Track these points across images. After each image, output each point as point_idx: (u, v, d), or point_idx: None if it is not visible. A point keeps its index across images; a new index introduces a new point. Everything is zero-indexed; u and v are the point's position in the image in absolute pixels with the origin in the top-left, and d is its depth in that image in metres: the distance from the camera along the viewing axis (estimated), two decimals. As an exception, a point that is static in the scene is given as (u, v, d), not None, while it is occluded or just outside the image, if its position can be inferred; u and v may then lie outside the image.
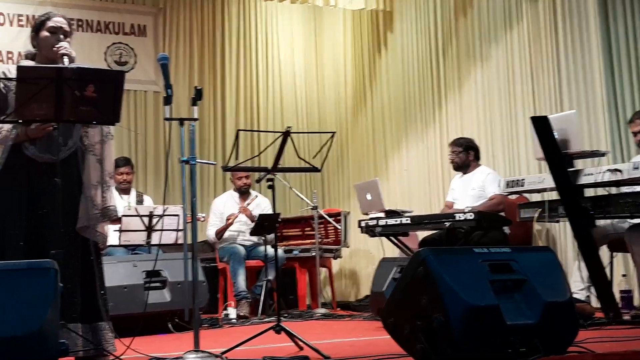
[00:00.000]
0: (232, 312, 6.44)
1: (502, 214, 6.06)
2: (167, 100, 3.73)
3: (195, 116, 3.82)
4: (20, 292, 2.51)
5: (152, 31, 8.46)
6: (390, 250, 6.97)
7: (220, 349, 3.75)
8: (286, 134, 4.28)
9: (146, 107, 8.41)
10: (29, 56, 3.99)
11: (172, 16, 8.56)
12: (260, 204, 7.32)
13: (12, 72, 3.73)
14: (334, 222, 7.62)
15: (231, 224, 7.12)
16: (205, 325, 5.74)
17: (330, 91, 9.42)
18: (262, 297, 6.66)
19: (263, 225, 6.24)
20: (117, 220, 5.77)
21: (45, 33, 3.85)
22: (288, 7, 8.97)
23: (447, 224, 5.68)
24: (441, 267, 2.96)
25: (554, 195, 4.93)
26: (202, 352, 3.53)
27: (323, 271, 8.07)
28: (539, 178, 5.01)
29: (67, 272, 3.42)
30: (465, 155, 6.44)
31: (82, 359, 3.61)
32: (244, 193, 7.38)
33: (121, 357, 3.55)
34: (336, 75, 9.44)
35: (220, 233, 7.18)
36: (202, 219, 6.91)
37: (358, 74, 9.28)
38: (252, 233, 6.72)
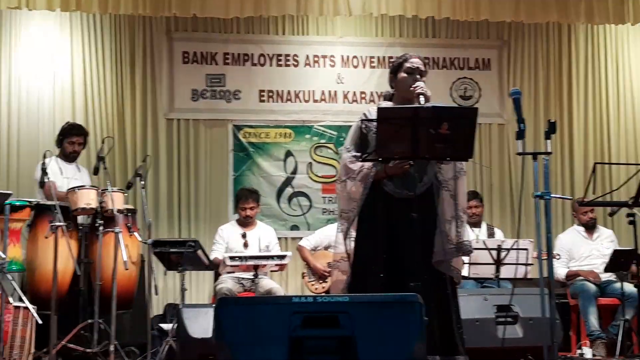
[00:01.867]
0: (587, 352, 6.16)
1: None
2: (520, 135, 3.71)
3: (549, 150, 3.74)
4: (389, 325, 2.63)
5: (496, 64, 8.48)
6: None
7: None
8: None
9: (490, 140, 8.41)
10: (387, 97, 4.20)
11: (517, 48, 8.50)
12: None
13: (372, 113, 3.96)
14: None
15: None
16: (558, 365, 5.54)
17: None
18: (619, 338, 6.26)
19: (618, 261, 5.90)
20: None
21: (402, 74, 4.04)
22: (641, 29, 8.45)
23: None
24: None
25: None
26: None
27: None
28: None
29: (425, 305, 3.52)
30: None
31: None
32: (590, 228, 7.04)
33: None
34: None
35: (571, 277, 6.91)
36: (558, 257, 6.70)
37: None
38: (607, 269, 6.38)
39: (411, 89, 3.92)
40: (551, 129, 3.73)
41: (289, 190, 8.08)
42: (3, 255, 4.87)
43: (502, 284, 6.26)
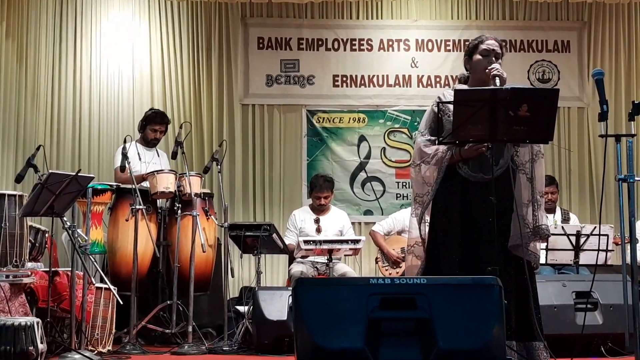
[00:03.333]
0: (668, 341, 5.98)
1: None
2: (603, 117, 3.61)
3: (633, 132, 3.64)
4: (466, 307, 2.61)
5: (575, 46, 8.28)
6: None
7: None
8: None
9: (569, 124, 8.24)
10: (462, 80, 4.15)
11: (597, 29, 8.28)
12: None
13: (447, 96, 3.92)
14: None
15: None
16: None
17: None
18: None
19: None
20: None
21: (478, 56, 3.97)
22: None
23: None
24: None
25: None
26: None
27: None
28: None
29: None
30: None
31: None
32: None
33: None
34: None
35: None
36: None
37: None
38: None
39: (486, 71, 3.86)
40: (635, 110, 3.61)
41: (362, 175, 8.07)
42: (85, 237, 5.01)
43: (580, 271, 6.13)
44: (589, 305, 5.15)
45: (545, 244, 6.02)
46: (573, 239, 6.06)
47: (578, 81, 8.21)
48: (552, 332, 4.59)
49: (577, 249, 6.07)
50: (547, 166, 7.88)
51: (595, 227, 6.03)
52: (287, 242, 6.57)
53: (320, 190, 6.77)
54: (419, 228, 3.96)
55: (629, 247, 4.24)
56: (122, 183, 5.92)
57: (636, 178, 3.61)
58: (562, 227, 6.17)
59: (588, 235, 6.03)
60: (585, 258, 6.07)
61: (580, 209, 7.97)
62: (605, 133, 3.59)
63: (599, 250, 5.85)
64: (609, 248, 6.03)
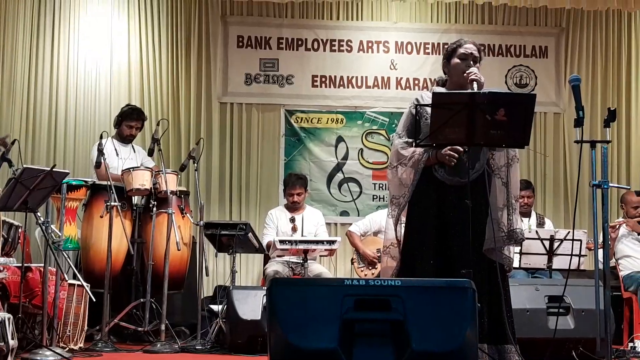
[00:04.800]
0: (639, 345, 6.04)
1: None
2: (579, 123, 3.64)
3: (608, 138, 3.67)
4: (440, 310, 2.63)
5: (553, 52, 8.34)
6: None
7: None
8: None
9: (545, 129, 8.30)
10: (439, 82, 4.16)
11: (575, 36, 8.34)
12: None
13: (425, 99, 3.93)
14: None
15: None
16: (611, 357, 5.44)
17: None
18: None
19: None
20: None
21: (456, 60, 3.98)
22: None
23: None
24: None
25: None
26: (614, 386, 3.35)
27: None
28: None
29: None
30: None
31: (487, 379, 3.65)
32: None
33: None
34: None
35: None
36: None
37: None
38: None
39: (464, 75, 3.87)
40: (611, 117, 3.65)
41: (339, 176, 8.08)
42: (59, 233, 4.97)
43: (553, 275, 6.18)
44: (561, 310, 5.19)
45: (519, 247, 6.07)
46: (547, 243, 6.11)
47: (555, 87, 8.27)
48: (524, 336, 4.61)
49: (551, 253, 6.12)
50: (522, 171, 7.94)
51: (568, 232, 6.09)
52: (266, 240, 6.56)
53: (292, 187, 6.78)
54: (395, 229, 3.97)
55: (601, 252, 4.28)
56: (104, 180, 5.85)
57: (610, 184, 3.64)
58: (536, 232, 6.22)
59: (561, 240, 6.08)
60: (559, 262, 6.12)
61: (554, 213, 8.03)
62: (580, 139, 3.62)
63: (572, 255, 5.90)
64: (582, 253, 6.09)
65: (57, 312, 4.87)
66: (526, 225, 6.72)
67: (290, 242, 6.05)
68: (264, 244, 6.49)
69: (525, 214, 6.88)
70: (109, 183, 5.48)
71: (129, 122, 6.50)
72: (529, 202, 6.93)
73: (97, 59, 7.79)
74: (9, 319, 4.26)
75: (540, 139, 8.27)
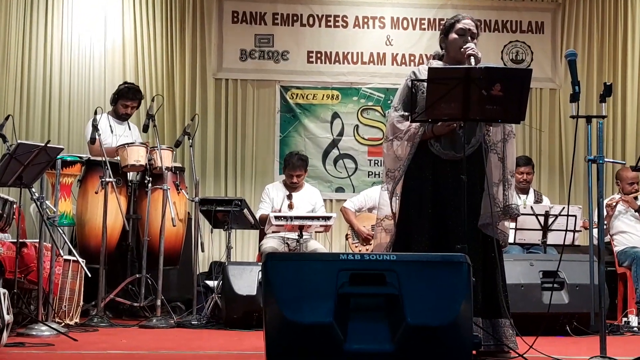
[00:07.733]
0: (633, 320, 6.07)
1: None
2: (574, 98, 3.61)
3: (604, 113, 3.66)
4: (435, 284, 2.63)
5: (549, 27, 8.31)
6: None
7: (625, 357, 3.55)
8: None
9: (541, 105, 8.29)
10: (437, 57, 4.14)
11: (571, 11, 8.31)
12: None
13: (422, 73, 3.91)
14: None
15: None
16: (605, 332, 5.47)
17: None
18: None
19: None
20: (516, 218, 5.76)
21: (454, 35, 3.96)
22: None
23: None
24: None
25: None
26: (608, 358, 3.37)
27: None
28: None
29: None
30: None
31: (480, 352, 3.66)
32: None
33: (524, 355, 3.54)
34: None
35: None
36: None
37: None
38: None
39: (462, 50, 3.86)
40: (607, 91, 3.62)
41: (334, 152, 8.07)
42: (54, 209, 4.96)
43: (547, 250, 6.20)
44: (555, 285, 5.22)
45: (514, 223, 6.08)
46: (542, 219, 6.12)
47: (551, 62, 8.25)
48: (518, 311, 4.64)
49: (545, 229, 6.13)
50: (518, 146, 7.92)
51: (563, 208, 6.10)
52: (260, 214, 6.56)
53: (293, 169, 6.74)
54: (390, 203, 3.96)
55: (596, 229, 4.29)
56: (97, 155, 5.83)
57: (605, 159, 3.64)
58: (531, 207, 6.22)
59: (556, 216, 6.09)
60: (553, 238, 6.14)
61: (549, 189, 8.05)
62: (576, 114, 3.60)
63: (566, 230, 5.92)
64: (577, 229, 6.11)
65: (52, 287, 4.87)
66: (522, 201, 6.71)
67: (286, 217, 6.05)
68: (257, 216, 6.47)
69: (524, 190, 6.87)
70: (103, 159, 5.46)
71: (124, 101, 6.45)
72: (529, 179, 6.90)
73: (91, 33, 7.74)
74: (4, 294, 4.25)
75: (537, 115, 8.27)
